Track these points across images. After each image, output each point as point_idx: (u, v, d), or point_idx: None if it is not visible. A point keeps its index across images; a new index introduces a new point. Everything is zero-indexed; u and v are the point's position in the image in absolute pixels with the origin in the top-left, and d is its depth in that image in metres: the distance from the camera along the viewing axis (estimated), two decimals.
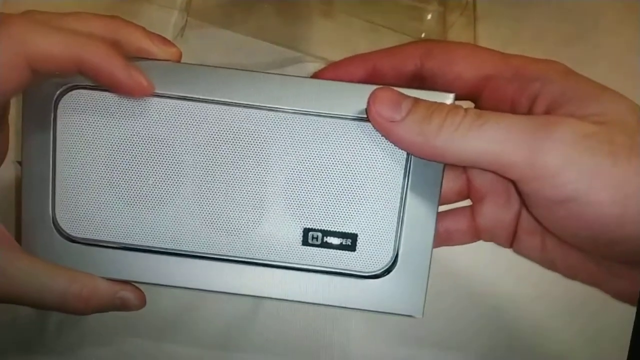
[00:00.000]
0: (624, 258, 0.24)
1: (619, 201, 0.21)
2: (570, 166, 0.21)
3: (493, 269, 0.37)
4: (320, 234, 0.26)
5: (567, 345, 0.36)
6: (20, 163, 0.26)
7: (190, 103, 0.25)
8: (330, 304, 0.26)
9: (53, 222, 0.26)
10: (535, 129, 0.22)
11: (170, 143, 0.26)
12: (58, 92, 0.25)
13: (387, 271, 0.26)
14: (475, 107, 0.27)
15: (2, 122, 0.26)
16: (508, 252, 0.29)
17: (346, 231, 0.26)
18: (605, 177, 0.21)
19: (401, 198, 0.26)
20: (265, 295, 0.27)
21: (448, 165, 0.26)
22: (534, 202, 0.23)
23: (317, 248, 0.26)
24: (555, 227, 0.24)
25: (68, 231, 0.26)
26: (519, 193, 0.24)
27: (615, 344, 0.35)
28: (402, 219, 0.26)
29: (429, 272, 0.26)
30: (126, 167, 0.26)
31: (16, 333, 0.36)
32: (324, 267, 0.26)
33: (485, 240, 0.29)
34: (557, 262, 0.27)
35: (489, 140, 0.22)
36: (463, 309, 0.37)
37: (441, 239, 0.29)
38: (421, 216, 0.26)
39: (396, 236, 0.26)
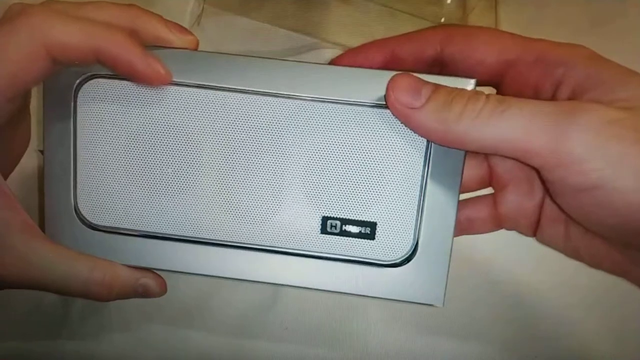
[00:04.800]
0: None
1: None
2: (596, 153, 0.21)
3: (514, 257, 0.37)
4: (339, 222, 0.26)
5: (588, 335, 0.36)
6: (42, 152, 0.27)
7: (207, 91, 0.25)
8: (349, 292, 0.26)
9: (75, 210, 0.27)
10: (560, 115, 0.21)
11: (189, 131, 0.26)
12: (77, 82, 0.26)
13: (407, 260, 0.26)
14: (498, 93, 0.26)
15: (24, 112, 0.27)
16: (529, 240, 0.28)
17: (365, 219, 0.26)
18: (631, 165, 0.21)
19: (421, 186, 0.25)
20: (284, 283, 0.27)
21: (469, 153, 0.25)
22: (558, 190, 0.23)
23: (335, 236, 0.26)
24: (579, 216, 0.24)
25: (89, 219, 0.27)
26: (543, 181, 0.24)
27: (638, 334, 0.35)
28: (422, 207, 0.25)
29: (449, 261, 0.26)
30: (145, 155, 0.26)
31: (41, 318, 0.36)
32: (342, 255, 0.26)
33: (508, 229, 0.29)
34: (581, 251, 0.26)
35: (512, 126, 0.22)
36: (483, 298, 0.36)
37: (462, 228, 0.29)
38: (442, 204, 0.25)
39: (416, 225, 0.26)
